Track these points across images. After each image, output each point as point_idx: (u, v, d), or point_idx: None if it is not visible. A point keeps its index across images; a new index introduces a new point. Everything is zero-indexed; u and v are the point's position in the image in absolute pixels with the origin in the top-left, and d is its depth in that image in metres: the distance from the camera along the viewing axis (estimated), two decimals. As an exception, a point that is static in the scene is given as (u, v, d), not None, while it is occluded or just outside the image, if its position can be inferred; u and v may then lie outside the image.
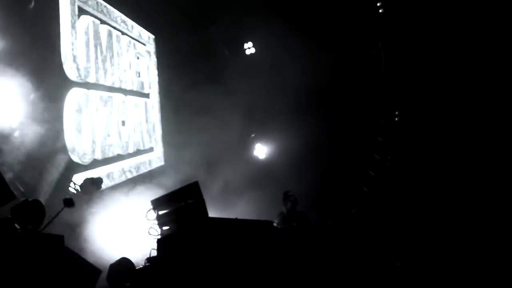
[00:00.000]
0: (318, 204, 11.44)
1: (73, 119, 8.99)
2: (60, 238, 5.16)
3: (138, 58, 12.90)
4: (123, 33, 12.08)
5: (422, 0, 11.72)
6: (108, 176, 9.95)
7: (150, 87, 13.53)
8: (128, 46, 12.29)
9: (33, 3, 8.86)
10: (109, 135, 10.31)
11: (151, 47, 13.98)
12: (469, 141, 11.02)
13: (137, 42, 12.94)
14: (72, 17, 9.23)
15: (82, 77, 9.41)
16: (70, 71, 9.08)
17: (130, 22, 12.54)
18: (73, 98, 9.06)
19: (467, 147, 11.03)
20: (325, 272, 6.73)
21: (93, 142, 9.52)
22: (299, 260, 6.61)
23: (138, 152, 12.28)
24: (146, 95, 13.25)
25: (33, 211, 5.17)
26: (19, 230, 5.01)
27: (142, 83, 13.04)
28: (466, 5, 11.09)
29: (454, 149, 11.25)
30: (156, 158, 13.33)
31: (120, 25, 11.92)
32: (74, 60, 9.24)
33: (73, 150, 8.87)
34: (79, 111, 9.19)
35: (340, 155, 12.75)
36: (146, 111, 13.05)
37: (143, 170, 12.27)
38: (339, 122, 12.93)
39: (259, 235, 6.39)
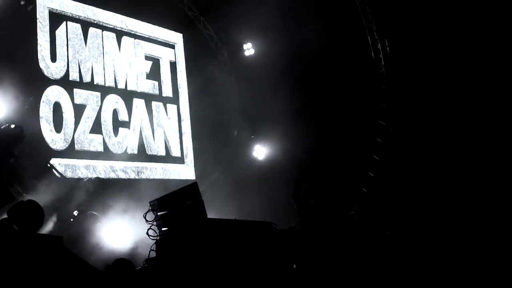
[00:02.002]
0: (325, 189, 11.46)
1: (46, 111, 10.25)
2: (59, 239, 5.16)
3: (146, 58, 12.55)
4: (121, 33, 12.08)
5: (422, 1, 11.71)
6: (87, 167, 10.80)
7: (172, 91, 13.05)
8: (128, 46, 12.21)
9: (30, 7, 10.12)
10: (90, 131, 10.98)
11: (179, 46, 13.55)
12: (470, 142, 11.00)
13: (146, 42, 12.62)
14: (46, 21, 10.59)
15: (57, 76, 10.64)
16: (45, 70, 10.43)
17: (134, 21, 12.42)
18: (48, 93, 10.39)
19: (467, 148, 11.01)
20: (324, 273, 6.72)
21: (66, 133, 10.55)
22: (298, 261, 6.60)
23: (143, 157, 12.01)
24: (167, 99, 12.85)
25: (29, 211, 5.15)
26: (17, 231, 5.00)
27: (155, 85, 12.65)
28: (466, 5, 11.09)
29: (454, 151, 11.23)
30: (178, 170, 12.71)
31: (116, 25, 11.96)
32: (46, 60, 10.48)
33: (45, 136, 10.13)
34: (53, 104, 10.41)
35: (340, 156, 12.74)
36: (161, 116, 12.56)
37: (150, 176, 11.99)
38: (338, 123, 12.91)
39: (258, 236, 6.38)
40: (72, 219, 9.66)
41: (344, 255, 6.99)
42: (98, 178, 10.29)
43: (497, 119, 10.78)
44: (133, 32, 12.40)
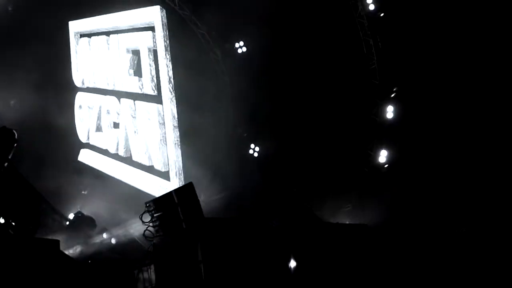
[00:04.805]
0: (320, 186, 11.77)
1: (77, 112, 13.32)
2: (56, 242, 5.14)
3: (127, 52, 11.85)
4: (109, 33, 12.22)
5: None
6: (95, 158, 12.97)
7: (155, 87, 11.34)
8: (112, 44, 12.10)
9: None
10: (99, 131, 12.89)
11: (158, 25, 11.47)
12: (467, 130, 11.00)
13: (123, 34, 11.96)
14: (74, 42, 13.27)
15: (80, 84, 13.28)
16: (75, 80, 13.30)
17: (111, 16, 12.28)
18: (77, 99, 13.37)
19: (465, 138, 11.01)
20: (325, 265, 6.74)
21: (87, 129, 13.18)
22: (295, 256, 6.62)
23: (131, 162, 12.09)
24: (148, 98, 11.51)
25: (25, 213, 5.14)
26: (12, 236, 4.98)
27: (139, 82, 11.58)
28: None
29: (448, 142, 11.25)
30: (160, 186, 11.25)
31: (109, 27, 12.14)
32: (73, 72, 13.19)
33: (77, 131, 13.24)
34: (80, 107, 13.30)
35: (334, 150, 12.72)
36: (140, 119, 11.60)
37: (130, 182, 12.06)
38: (332, 117, 12.89)
39: (255, 234, 6.39)
40: (68, 222, 9.78)
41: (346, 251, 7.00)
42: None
43: (498, 111, 10.72)
44: (115, 29, 12.24)
